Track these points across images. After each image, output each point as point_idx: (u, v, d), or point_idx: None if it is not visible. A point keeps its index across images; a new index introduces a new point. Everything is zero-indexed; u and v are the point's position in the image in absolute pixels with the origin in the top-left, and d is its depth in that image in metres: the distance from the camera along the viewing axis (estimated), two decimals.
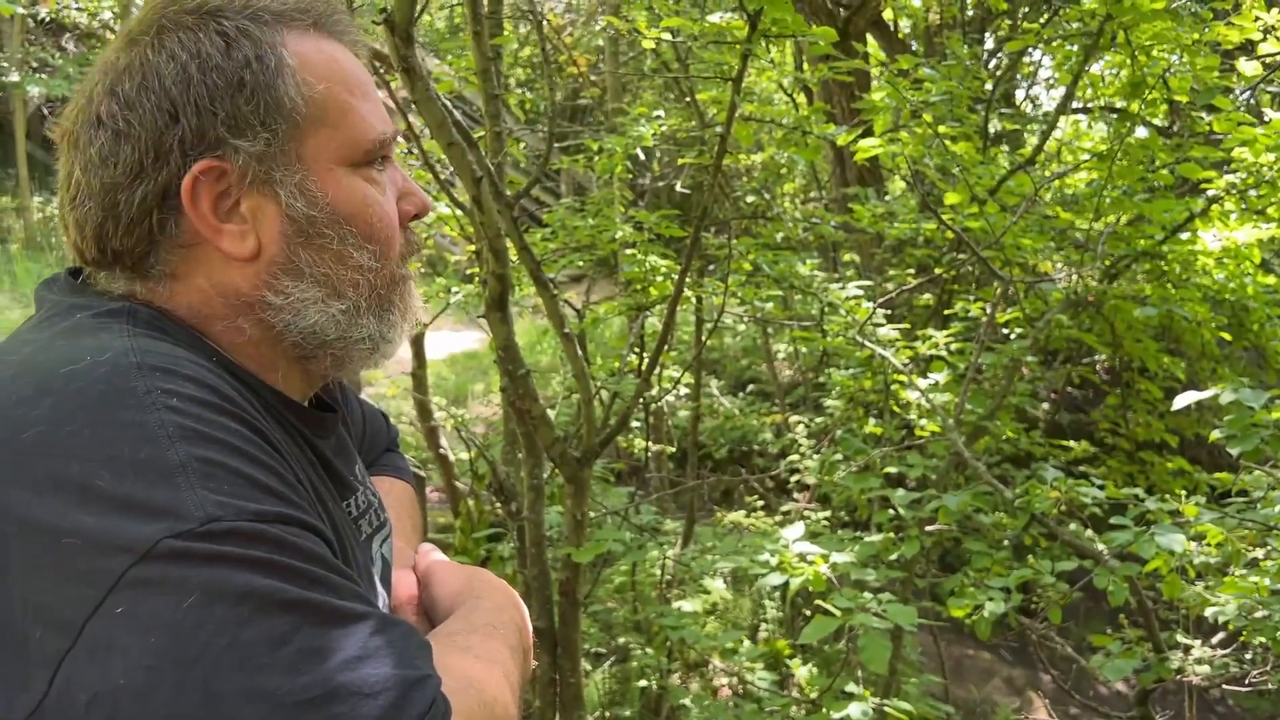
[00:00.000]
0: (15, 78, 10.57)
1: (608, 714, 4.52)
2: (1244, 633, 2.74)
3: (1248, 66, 3.77)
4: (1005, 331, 4.63)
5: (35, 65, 11.38)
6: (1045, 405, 5.89)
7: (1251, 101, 5.29)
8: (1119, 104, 4.41)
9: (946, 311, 4.90)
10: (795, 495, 6.33)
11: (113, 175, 0.83)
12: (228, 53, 0.83)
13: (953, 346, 4.05)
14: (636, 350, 4.19)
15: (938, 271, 4.87)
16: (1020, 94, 7.92)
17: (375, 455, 1.25)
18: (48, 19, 11.14)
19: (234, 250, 0.85)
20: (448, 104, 2.33)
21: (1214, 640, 3.44)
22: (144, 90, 0.82)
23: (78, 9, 11.09)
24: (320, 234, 0.86)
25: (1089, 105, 5.85)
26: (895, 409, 4.15)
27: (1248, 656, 3.06)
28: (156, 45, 0.83)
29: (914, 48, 7.28)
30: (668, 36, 3.15)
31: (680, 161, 5.38)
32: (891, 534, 3.38)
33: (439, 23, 12.25)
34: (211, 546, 0.64)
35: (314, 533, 0.72)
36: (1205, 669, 2.86)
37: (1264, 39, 3.83)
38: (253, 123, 0.83)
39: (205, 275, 0.86)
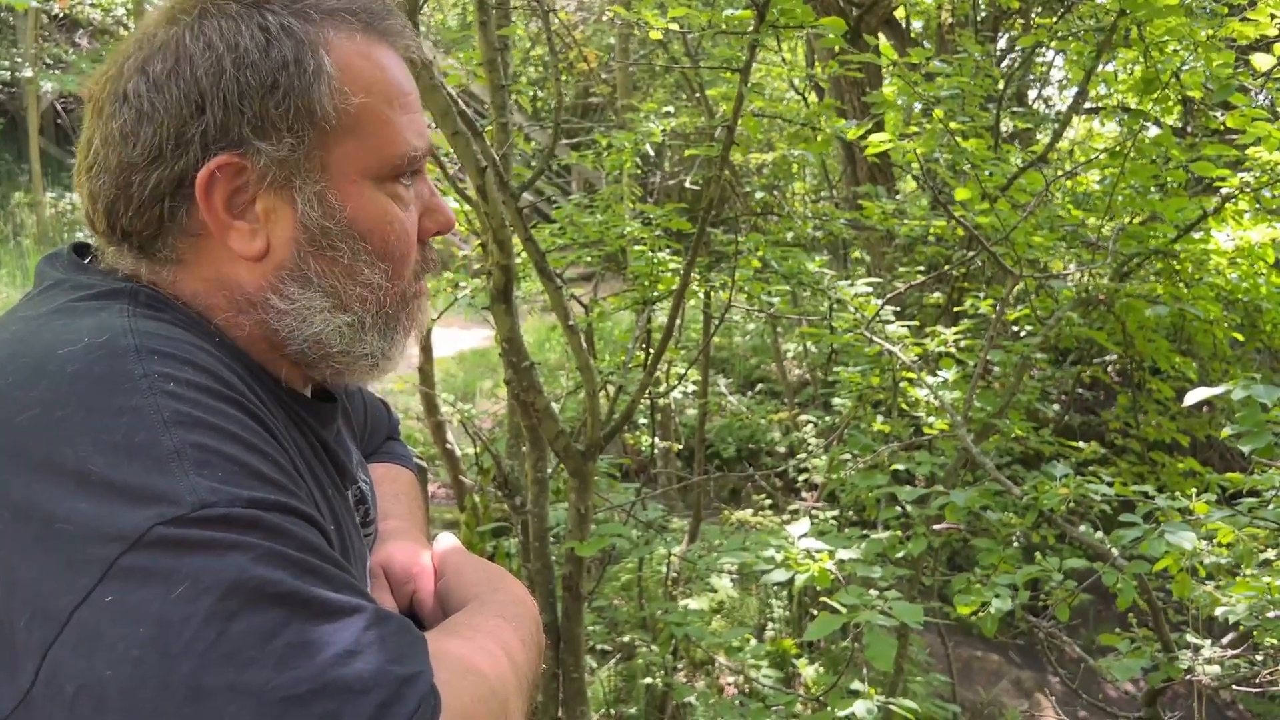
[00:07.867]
0: (29, 73, 10.63)
1: (613, 711, 4.51)
2: (1255, 633, 2.71)
3: (1262, 60, 3.72)
4: (1015, 329, 4.60)
5: (49, 61, 11.44)
6: (1055, 407, 5.85)
7: (1268, 102, 5.24)
8: (1132, 102, 4.37)
9: (956, 309, 4.87)
10: (803, 494, 6.32)
11: (130, 155, 0.81)
12: (266, 50, 0.80)
13: (962, 343, 4.02)
14: (643, 345, 4.18)
15: (946, 268, 4.84)
16: (1032, 95, 7.89)
17: (377, 444, 1.24)
18: (61, 15, 11.18)
19: (240, 248, 0.83)
20: (452, 93, 2.32)
21: (1224, 641, 3.41)
22: (174, 75, 0.80)
23: (91, 5, 11.14)
24: (333, 246, 0.84)
25: (1101, 105, 5.81)
26: (904, 406, 4.12)
27: (1258, 658, 3.03)
28: (195, 29, 0.81)
29: (926, 47, 7.25)
30: (675, 27, 3.13)
31: (687, 153, 5.37)
32: (899, 532, 3.35)
33: (451, 20, 12.26)
34: (203, 533, 0.63)
35: (310, 522, 0.70)
36: (1215, 670, 2.82)
37: None
38: (280, 126, 0.80)
39: (212, 267, 0.84)
